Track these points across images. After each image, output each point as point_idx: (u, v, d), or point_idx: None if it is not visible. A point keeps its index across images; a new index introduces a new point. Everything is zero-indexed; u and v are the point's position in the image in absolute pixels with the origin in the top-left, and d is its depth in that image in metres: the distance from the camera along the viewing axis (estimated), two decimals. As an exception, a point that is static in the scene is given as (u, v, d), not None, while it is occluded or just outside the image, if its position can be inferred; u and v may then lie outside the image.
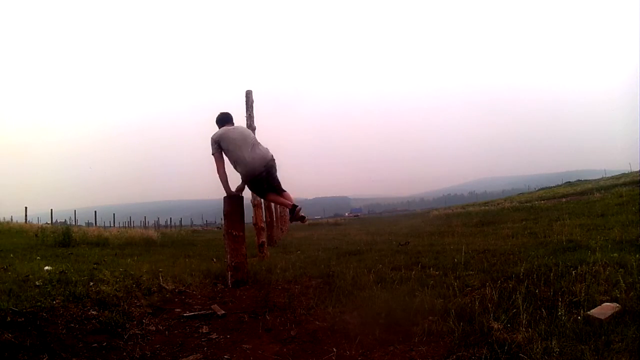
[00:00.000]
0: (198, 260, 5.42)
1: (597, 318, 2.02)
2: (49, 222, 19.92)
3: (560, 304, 2.23)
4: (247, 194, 5.65)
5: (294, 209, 3.80)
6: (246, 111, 5.69)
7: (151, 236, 10.00)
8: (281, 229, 12.01)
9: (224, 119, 4.09)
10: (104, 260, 4.76)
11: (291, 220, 3.99)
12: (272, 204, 9.32)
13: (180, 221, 43.96)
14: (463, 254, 4.09)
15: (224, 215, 4.01)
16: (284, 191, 4.00)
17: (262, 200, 6.68)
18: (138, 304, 2.95)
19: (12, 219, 20.99)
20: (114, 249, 7.10)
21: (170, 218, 43.20)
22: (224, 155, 3.88)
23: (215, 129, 4.05)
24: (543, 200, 15.25)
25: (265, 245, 5.77)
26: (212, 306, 3.10)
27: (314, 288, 3.44)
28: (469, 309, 2.37)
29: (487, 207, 15.95)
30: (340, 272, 3.84)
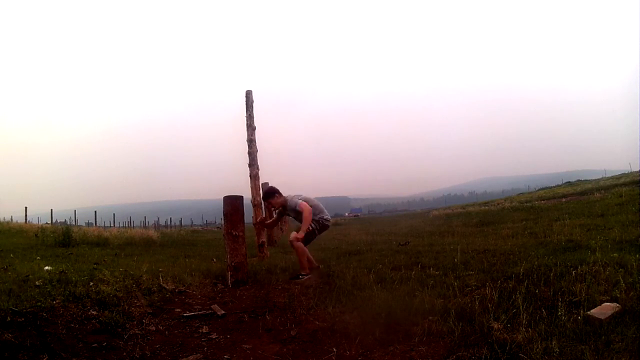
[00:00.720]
0: (198, 260, 5.42)
1: (597, 318, 2.02)
2: (49, 222, 19.90)
3: (560, 304, 2.23)
4: (246, 193, 5.66)
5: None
6: (246, 111, 5.70)
7: (151, 236, 10.01)
8: (281, 228, 11.99)
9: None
10: (104, 260, 4.76)
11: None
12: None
13: (180, 221, 43.92)
14: (463, 253, 4.09)
15: (224, 215, 4.01)
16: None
17: (262, 200, 6.68)
18: (138, 304, 2.94)
19: (12, 219, 20.98)
20: (114, 249, 7.11)
21: (170, 218, 43.18)
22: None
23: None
24: (543, 200, 15.20)
25: (265, 245, 5.77)
26: (212, 306, 3.10)
27: (314, 288, 3.44)
28: (469, 309, 2.37)
29: (487, 207, 15.90)
30: (340, 272, 3.84)
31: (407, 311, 2.51)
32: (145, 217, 38.22)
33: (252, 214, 5.94)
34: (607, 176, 25.82)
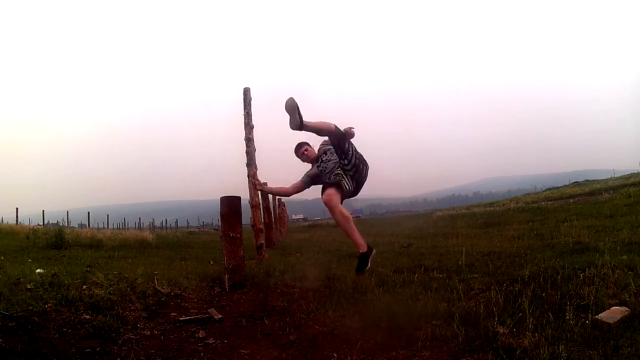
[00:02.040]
0: (194, 263, 5.34)
1: (606, 322, 1.99)
2: (41, 223, 19.65)
3: (567, 307, 2.20)
4: (244, 194, 5.59)
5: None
6: (244, 109, 5.63)
7: (146, 238, 9.90)
8: (280, 230, 11.95)
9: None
10: (98, 263, 4.67)
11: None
12: (271, 205, 9.25)
13: (176, 222, 43.57)
14: (467, 256, 4.06)
15: (221, 216, 3.95)
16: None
17: (261, 200, 6.61)
18: (132, 307, 2.88)
19: (2, 220, 20.74)
20: (107, 251, 7.00)
21: (166, 219, 42.86)
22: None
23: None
24: (550, 200, 15.01)
25: (264, 247, 5.69)
26: (208, 310, 3.04)
27: (313, 291, 3.39)
28: (474, 312, 2.34)
29: (492, 208, 15.66)
30: (340, 275, 3.79)
31: (409, 315, 2.47)
32: (140, 218, 37.98)
33: (250, 215, 5.87)
34: (615, 176, 25.59)
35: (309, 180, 3.61)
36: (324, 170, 3.47)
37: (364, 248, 3.07)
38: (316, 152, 3.65)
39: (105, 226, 30.15)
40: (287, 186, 3.75)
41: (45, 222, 21.08)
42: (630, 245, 3.76)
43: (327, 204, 3.08)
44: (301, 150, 3.70)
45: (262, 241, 5.68)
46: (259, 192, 6.22)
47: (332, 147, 3.40)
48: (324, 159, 3.51)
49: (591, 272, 2.76)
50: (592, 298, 2.30)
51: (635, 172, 23.56)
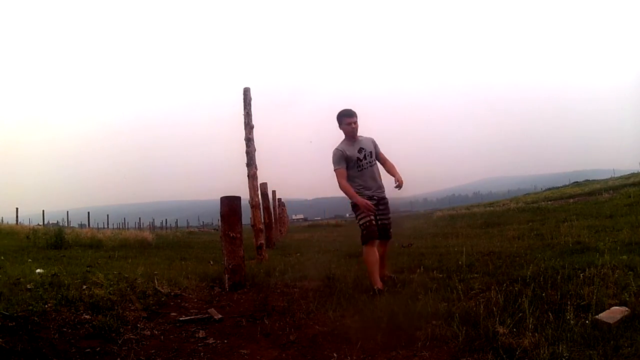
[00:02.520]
0: (194, 263, 5.35)
1: (606, 322, 1.99)
2: (41, 223, 19.61)
3: (568, 307, 2.20)
4: (244, 194, 5.59)
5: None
6: (244, 109, 5.64)
7: (146, 238, 9.89)
8: (280, 230, 11.94)
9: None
10: (98, 263, 4.68)
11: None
12: (271, 205, 9.24)
13: (176, 222, 43.46)
14: (467, 256, 4.05)
15: (221, 216, 3.95)
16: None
17: (261, 200, 6.60)
18: (132, 307, 2.88)
19: (2, 220, 20.69)
20: (107, 251, 7.00)
21: (166, 219, 42.74)
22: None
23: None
24: (550, 200, 14.85)
25: (264, 247, 5.70)
26: (208, 310, 3.04)
27: (313, 291, 3.39)
28: (474, 313, 2.34)
29: (492, 208, 15.48)
30: (341, 275, 3.78)
31: (409, 315, 2.47)
32: (140, 218, 37.87)
33: (250, 215, 5.87)
34: (616, 176, 25.35)
35: (346, 164, 3.34)
36: (361, 167, 3.31)
37: (379, 285, 3.15)
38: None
39: (105, 226, 30.09)
40: (345, 182, 3.32)
41: (45, 222, 21.05)
42: (630, 245, 3.75)
43: (366, 247, 3.25)
44: (353, 119, 3.27)
45: (262, 241, 5.68)
46: (259, 193, 6.21)
47: (375, 150, 3.39)
48: (367, 156, 3.30)
49: (591, 272, 2.76)
50: (593, 298, 2.30)
51: (635, 172, 23.41)
